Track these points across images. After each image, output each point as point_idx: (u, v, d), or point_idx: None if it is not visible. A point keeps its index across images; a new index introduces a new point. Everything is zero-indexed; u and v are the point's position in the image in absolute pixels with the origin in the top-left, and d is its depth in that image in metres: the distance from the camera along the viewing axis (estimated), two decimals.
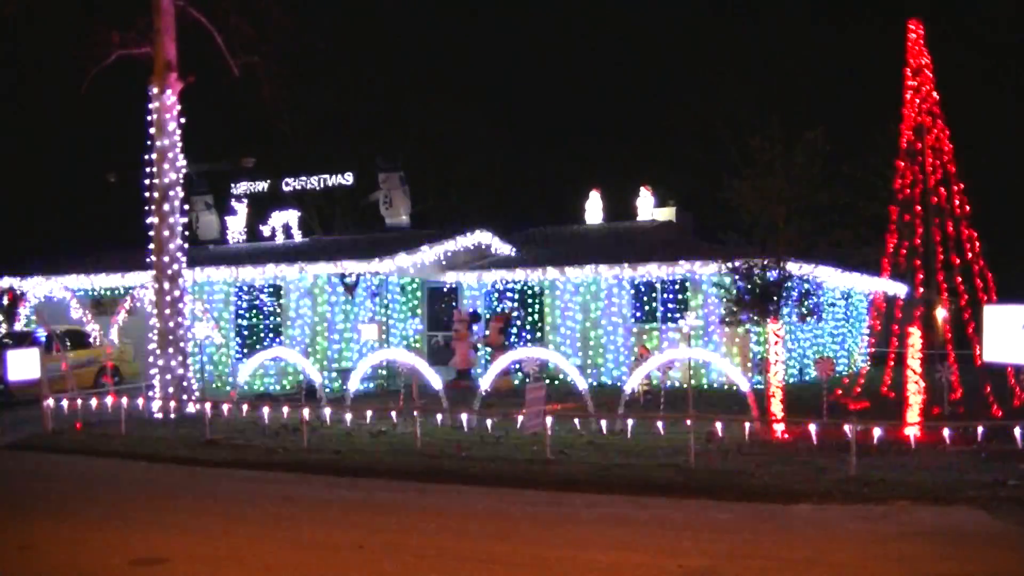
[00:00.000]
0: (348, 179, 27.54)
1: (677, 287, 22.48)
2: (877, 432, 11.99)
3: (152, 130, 18.71)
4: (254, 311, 23.46)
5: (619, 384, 19.60)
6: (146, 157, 19.00)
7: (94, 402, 16.83)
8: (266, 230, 27.26)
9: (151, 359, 18.47)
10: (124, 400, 16.20)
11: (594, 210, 29.74)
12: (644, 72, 45.55)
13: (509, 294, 24.59)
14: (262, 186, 28.47)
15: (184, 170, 19.15)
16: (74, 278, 25.18)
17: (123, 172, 31.00)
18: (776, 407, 14.09)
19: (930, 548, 8.40)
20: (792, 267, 16.33)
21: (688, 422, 12.30)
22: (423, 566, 8.08)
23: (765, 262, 15.88)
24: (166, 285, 18.52)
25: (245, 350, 23.09)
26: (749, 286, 16.12)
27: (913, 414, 13.95)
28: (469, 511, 10.32)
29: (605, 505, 10.47)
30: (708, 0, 47.09)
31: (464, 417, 15.08)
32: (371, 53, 35.16)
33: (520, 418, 13.95)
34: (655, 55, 46.15)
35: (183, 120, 18.86)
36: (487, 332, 23.08)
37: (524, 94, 42.77)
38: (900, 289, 22.23)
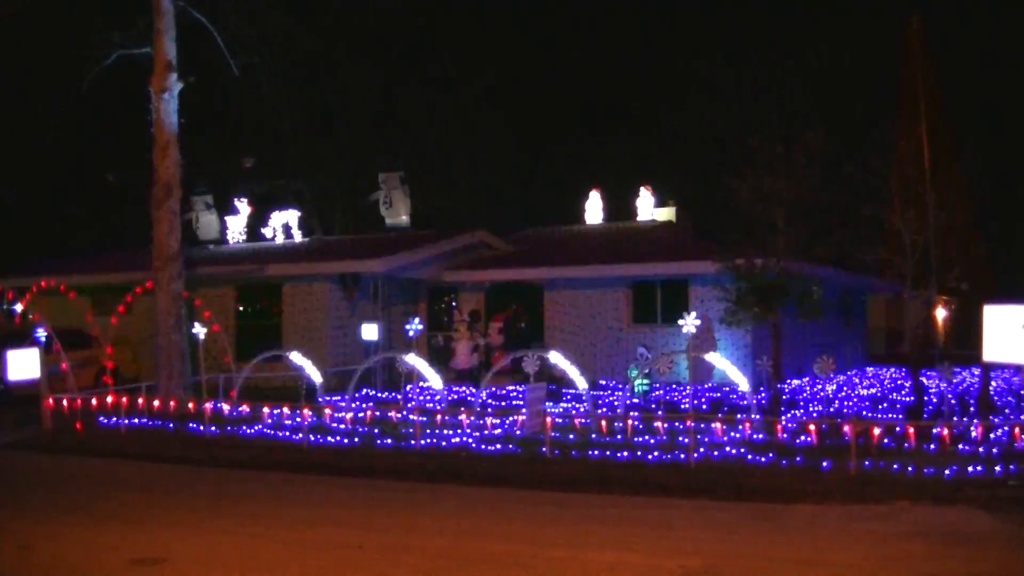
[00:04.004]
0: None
1: (677, 287, 22.47)
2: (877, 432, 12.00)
3: (152, 130, 18.71)
4: (254, 311, 23.46)
5: (619, 384, 19.59)
6: (146, 157, 19.01)
7: (94, 402, 16.83)
8: (267, 230, 27.25)
9: (151, 359, 18.47)
10: (124, 400, 16.20)
11: (594, 210, 29.73)
12: (644, 72, 45.56)
13: (509, 294, 24.58)
14: (262, 186, 28.48)
15: (184, 170, 19.15)
16: (74, 278, 25.15)
17: (123, 172, 31.03)
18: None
19: (930, 548, 8.39)
20: (791, 267, 16.35)
21: (688, 422, 12.30)
22: (423, 566, 8.08)
23: (765, 262, 15.91)
24: (166, 285, 18.52)
25: (244, 350, 23.08)
26: (749, 286, 16.14)
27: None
28: (469, 511, 10.32)
29: (605, 505, 10.47)
30: (708, 0, 47.09)
31: (464, 417, 15.10)
32: (371, 53, 35.13)
33: (520, 418, 13.96)
34: (655, 54, 46.20)
35: (183, 120, 18.86)
36: (488, 332, 23.07)
37: (524, 94, 42.75)
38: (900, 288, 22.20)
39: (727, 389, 19.70)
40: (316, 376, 17.34)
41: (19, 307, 20.26)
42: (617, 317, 23.13)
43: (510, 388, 18.52)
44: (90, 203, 36.93)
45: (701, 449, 12.42)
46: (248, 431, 15.36)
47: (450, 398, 17.53)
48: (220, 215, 28.18)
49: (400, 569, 8.04)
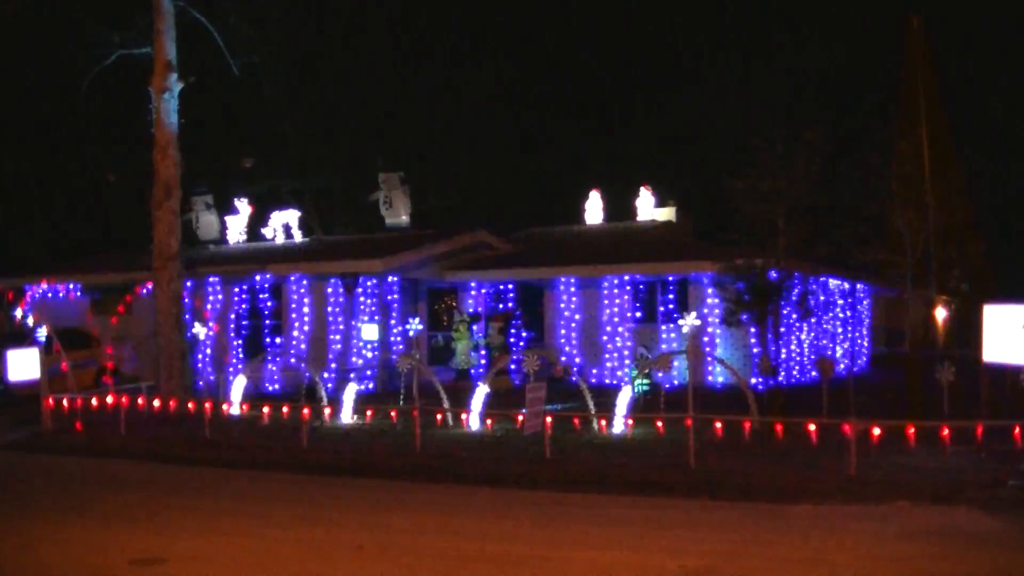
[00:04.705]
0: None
1: (677, 287, 22.47)
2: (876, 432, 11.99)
3: (152, 130, 18.72)
4: (254, 311, 23.46)
5: (619, 384, 19.58)
6: (146, 157, 19.01)
7: (94, 402, 16.84)
8: (267, 231, 27.24)
9: (151, 359, 18.49)
10: (124, 400, 16.20)
11: (594, 210, 29.71)
12: (644, 71, 45.58)
13: (509, 294, 24.59)
14: (262, 186, 28.45)
15: (184, 170, 19.16)
16: (74, 278, 25.16)
17: (123, 172, 31.02)
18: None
19: (930, 548, 8.39)
20: (791, 267, 16.33)
21: (688, 422, 12.29)
22: (422, 566, 8.08)
23: (765, 262, 15.89)
24: (166, 285, 18.52)
25: (245, 351, 23.12)
26: (749, 286, 16.13)
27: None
28: (469, 511, 10.32)
29: (605, 505, 10.47)
30: (708, 0, 47.08)
31: (464, 417, 15.10)
32: (372, 53, 35.15)
33: (520, 418, 13.95)
34: (655, 54, 46.19)
35: (183, 120, 18.86)
36: (488, 332, 23.09)
37: (524, 93, 42.76)
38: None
39: (727, 389, 19.71)
40: (316, 377, 17.33)
41: (19, 311, 20.31)
42: (617, 317, 23.12)
43: (510, 388, 18.53)
44: (90, 203, 36.93)
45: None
46: (248, 431, 15.37)
47: (449, 398, 17.50)
48: (220, 215, 28.16)
49: (399, 569, 8.03)
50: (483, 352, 23.32)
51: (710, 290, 21.58)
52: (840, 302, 27.06)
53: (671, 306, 22.53)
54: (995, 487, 10.34)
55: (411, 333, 17.62)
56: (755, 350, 21.13)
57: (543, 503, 10.60)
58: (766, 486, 10.80)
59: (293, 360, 18.79)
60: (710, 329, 21.62)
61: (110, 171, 32.71)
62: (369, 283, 22.63)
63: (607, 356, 23.06)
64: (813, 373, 22.52)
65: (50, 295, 25.42)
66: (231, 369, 22.73)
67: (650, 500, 10.63)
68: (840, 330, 27.07)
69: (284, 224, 27.06)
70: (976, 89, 34.73)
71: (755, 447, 12.86)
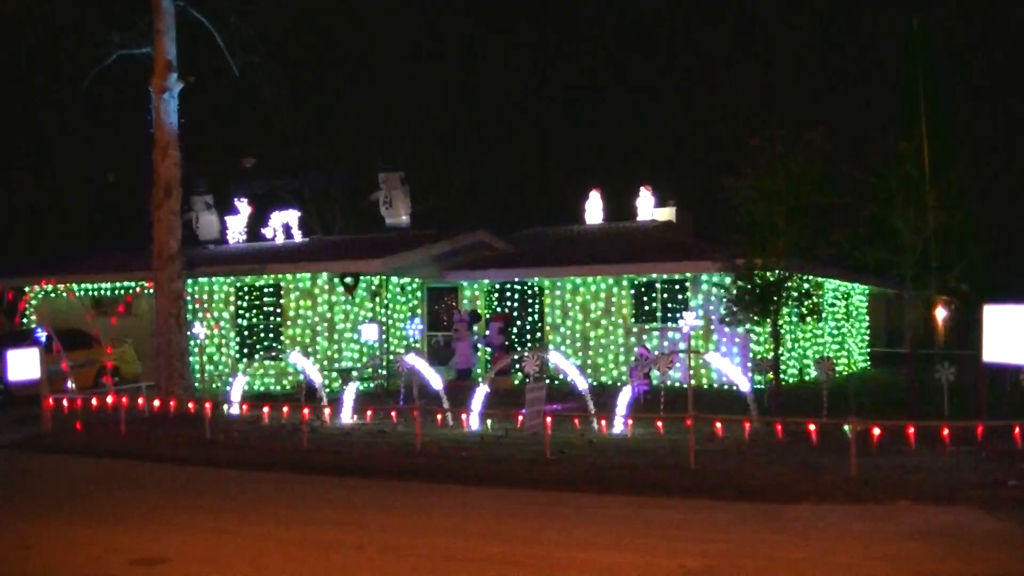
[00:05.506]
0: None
1: (677, 287, 22.48)
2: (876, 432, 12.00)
3: (152, 130, 18.73)
4: (254, 311, 23.46)
5: (619, 384, 19.59)
6: (146, 157, 19.02)
7: (94, 402, 16.84)
8: (267, 231, 27.25)
9: (151, 359, 18.49)
10: (124, 400, 16.20)
11: (594, 210, 29.74)
12: (644, 72, 45.59)
13: (509, 294, 24.59)
14: (262, 186, 28.43)
15: (184, 170, 19.16)
16: (75, 278, 25.16)
17: (123, 172, 31.01)
18: None
19: (930, 548, 8.39)
20: (792, 267, 16.34)
21: (688, 422, 12.30)
22: (423, 566, 8.09)
23: (765, 262, 15.90)
24: (166, 285, 18.53)
25: (245, 350, 23.12)
26: (749, 286, 16.14)
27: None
28: (469, 511, 10.32)
29: (605, 505, 10.47)
30: (709, 0, 47.12)
31: (464, 417, 15.09)
32: (371, 53, 35.19)
33: (520, 418, 13.96)
34: (655, 54, 46.18)
35: (183, 120, 18.87)
36: (487, 332, 23.10)
37: (524, 94, 42.80)
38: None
39: (727, 389, 19.72)
40: (316, 376, 17.34)
41: (19, 310, 20.29)
42: (617, 317, 23.13)
43: (510, 388, 18.53)
44: (90, 203, 36.95)
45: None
46: (248, 431, 15.36)
47: (449, 398, 17.53)
48: (220, 215, 28.17)
49: (400, 569, 8.04)
50: (483, 352, 23.33)
51: (710, 290, 21.60)
52: (840, 302, 27.07)
53: (671, 306, 22.53)
54: (995, 487, 10.34)
55: (411, 333, 17.63)
56: (755, 350, 21.15)
57: (543, 503, 10.60)
58: (766, 486, 10.80)
59: (293, 360, 18.76)
60: (710, 329, 21.62)
61: (110, 171, 32.68)
62: (369, 283, 22.62)
63: (607, 356, 23.06)
64: (813, 373, 22.57)
65: (50, 295, 25.42)
66: (230, 369, 22.72)
67: (650, 500, 10.62)
68: (840, 330, 27.08)
69: (284, 224, 27.08)
70: (977, 87, 34.73)
71: (755, 447, 12.86)
